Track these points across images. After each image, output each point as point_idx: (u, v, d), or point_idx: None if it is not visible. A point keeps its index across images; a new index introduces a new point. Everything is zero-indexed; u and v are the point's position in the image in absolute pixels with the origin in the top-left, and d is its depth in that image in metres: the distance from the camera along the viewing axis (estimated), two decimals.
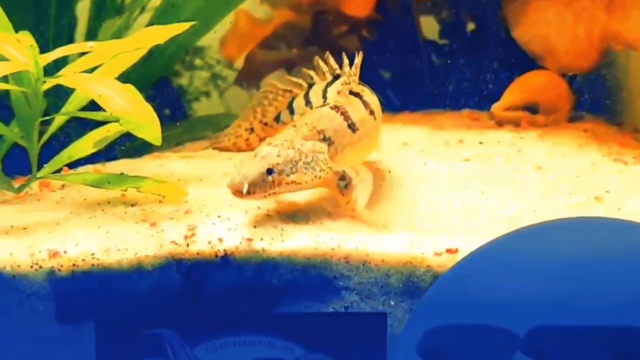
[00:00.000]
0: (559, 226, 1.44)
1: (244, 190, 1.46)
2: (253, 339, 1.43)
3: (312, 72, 1.84)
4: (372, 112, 1.69)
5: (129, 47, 1.63)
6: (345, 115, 1.62)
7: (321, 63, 1.82)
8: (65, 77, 1.57)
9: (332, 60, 1.80)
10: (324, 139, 1.57)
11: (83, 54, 1.73)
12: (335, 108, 1.63)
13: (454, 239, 1.46)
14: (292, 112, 1.85)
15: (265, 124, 1.91)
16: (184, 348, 1.42)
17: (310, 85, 1.83)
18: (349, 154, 1.62)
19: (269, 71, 2.71)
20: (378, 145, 1.80)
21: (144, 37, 1.65)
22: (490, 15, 2.43)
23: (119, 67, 1.71)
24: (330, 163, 1.55)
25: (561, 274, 1.40)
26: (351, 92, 1.68)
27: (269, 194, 1.50)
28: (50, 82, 1.59)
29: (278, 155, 1.50)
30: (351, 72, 1.69)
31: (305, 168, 1.51)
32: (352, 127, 1.62)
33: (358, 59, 1.68)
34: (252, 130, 1.93)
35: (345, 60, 1.74)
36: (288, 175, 1.49)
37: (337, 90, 1.68)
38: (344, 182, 1.55)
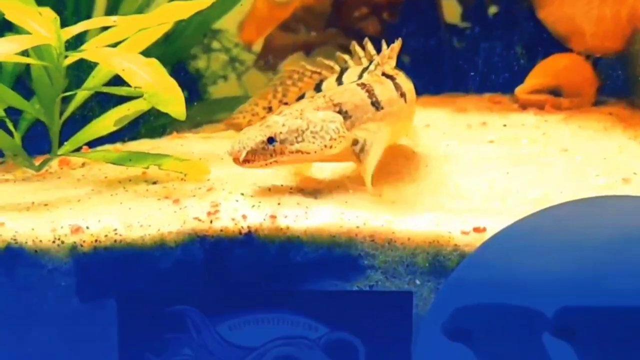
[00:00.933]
0: (586, 205, 1.42)
1: (241, 158, 1.47)
2: (276, 317, 1.41)
3: (346, 56, 1.83)
4: (402, 95, 1.67)
5: (152, 22, 1.61)
6: (370, 92, 1.60)
7: (357, 48, 1.80)
8: (88, 51, 1.55)
9: (370, 46, 1.79)
10: (340, 112, 1.55)
11: (104, 29, 1.72)
12: (362, 85, 1.62)
13: (481, 219, 1.43)
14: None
15: (286, 103, 1.89)
16: (207, 325, 1.41)
17: (344, 70, 1.81)
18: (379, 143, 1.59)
19: (288, 54, 2.72)
20: (410, 130, 1.78)
21: (167, 12, 1.63)
22: None
23: (141, 43, 1.70)
24: (345, 132, 1.53)
25: (589, 254, 1.38)
26: (384, 74, 1.67)
27: (270, 163, 1.50)
28: (73, 57, 1.57)
29: (283, 125, 1.50)
30: (385, 54, 1.68)
31: (313, 137, 1.50)
32: (375, 104, 1.60)
33: (397, 44, 1.68)
34: (269, 109, 1.91)
35: (384, 46, 1.72)
36: (292, 144, 1.49)
37: (368, 71, 1.67)
38: (358, 146, 1.54)
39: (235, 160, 1.49)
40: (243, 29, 2.75)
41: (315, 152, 1.51)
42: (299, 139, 1.50)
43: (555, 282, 1.38)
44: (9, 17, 1.53)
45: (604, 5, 2.05)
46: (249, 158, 1.48)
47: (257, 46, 2.74)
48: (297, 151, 1.50)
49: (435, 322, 1.38)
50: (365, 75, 1.68)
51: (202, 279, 1.44)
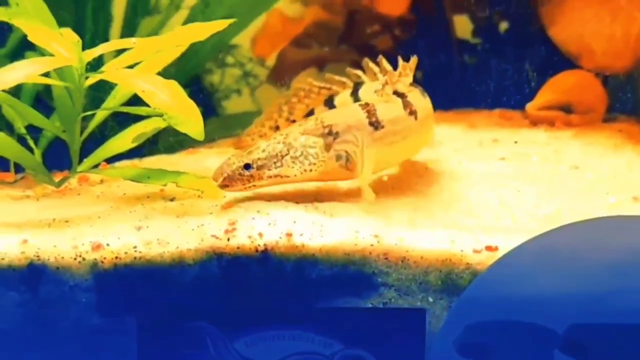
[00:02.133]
0: (598, 224, 1.44)
1: (218, 183, 1.56)
2: (292, 334, 1.44)
3: (359, 72, 1.85)
4: (412, 112, 1.69)
5: (170, 43, 1.66)
6: (370, 112, 1.63)
7: (371, 65, 1.83)
8: (108, 72, 1.59)
9: (385, 63, 1.82)
10: (329, 133, 1.58)
11: (120, 51, 1.76)
12: (364, 105, 1.65)
13: (493, 237, 1.46)
14: (331, 108, 1.86)
15: (293, 121, 1.92)
16: (224, 341, 1.44)
17: (359, 85, 1.84)
18: (370, 149, 1.62)
19: (301, 69, 2.75)
20: (429, 143, 1.81)
21: (184, 34, 1.67)
22: (523, 15, 2.43)
23: (158, 64, 1.73)
24: (324, 156, 1.57)
25: (600, 272, 1.41)
26: (396, 92, 1.69)
27: (249, 187, 1.57)
28: (94, 78, 1.61)
29: (263, 150, 1.57)
30: (395, 73, 1.71)
31: (293, 162, 1.57)
32: (375, 124, 1.62)
33: (412, 62, 1.72)
34: (277, 128, 1.95)
35: (401, 62, 1.75)
36: (270, 169, 1.56)
37: (375, 90, 1.70)
38: (342, 160, 1.58)
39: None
40: (256, 44, 2.79)
41: (295, 175, 1.58)
42: (278, 164, 1.56)
43: (566, 300, 1.40)
44: (31, 38, 1.57)
45: (614, 24, 2.08)
46: (226, 183, 1.56)
47: (271, 61, 2.78)
48: (276, 176, 1.57)
49: (447, 338, 1.41)
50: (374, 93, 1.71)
51: (219, 295, 1.47)
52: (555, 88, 2.21)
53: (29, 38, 1.58)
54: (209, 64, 2.72)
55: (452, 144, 2.00)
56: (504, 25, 2.54)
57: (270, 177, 1.57)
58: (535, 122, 2.17)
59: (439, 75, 2.48)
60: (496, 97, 2.38)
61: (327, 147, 1.58)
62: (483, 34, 2.52)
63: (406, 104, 1.69)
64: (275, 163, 1.56)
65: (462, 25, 2.54)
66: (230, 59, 2.82)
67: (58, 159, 1.93)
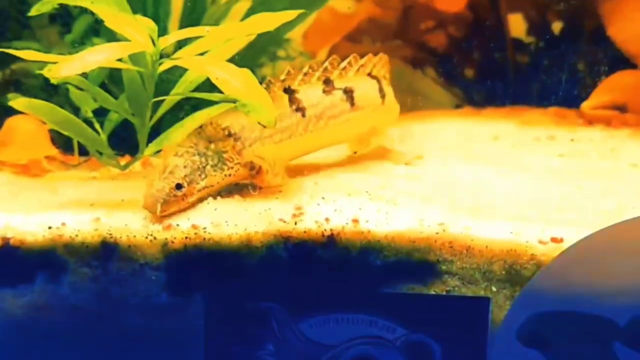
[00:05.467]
0: None
1: (158, 213, 1.52)
2: (355, 317, 1.47)
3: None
4: (299, 109, 1.70)
5: (241, 32, 1.68)
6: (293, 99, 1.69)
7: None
8: (183, 59, 1.62)
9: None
10: (229, 135, 1.60)
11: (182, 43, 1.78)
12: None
13: (558, 229, 1.48)
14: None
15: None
16: (289, 322, 1.47)
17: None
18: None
19: None
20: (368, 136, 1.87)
21: (253, 24, 1.70)
22: (578, 14, 2.43)
23: (226, 53, 1.77)
24: (237, 158, 1.60)
25: None
26: (288, 89, 1.71)
27: (184, 206, 1.55)
28: (168, 64, 1.65)
29: (185, 167, 1.56)
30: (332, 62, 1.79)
31: (214, 170, 1.58)
32: (300, 110, 1.69)
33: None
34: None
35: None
36: (198, 182, 1.56)
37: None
38: (253, 171, 1.60)
39: (153, 214, 1.53)
40: (307, 39, 2.82)
41: (219, 182, 1.59)
42: (202, 175, 1.57)
43: (629, 292, 1.41)
44: (108, 24, 1.61)
45: None
46: (165, 209, 1.53)
47: (321, 56, 2.80)
48: (204, 188, 1.57)
49: (510, 327, 1.43)
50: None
51: (285, 278, 1.50)
52: (611, 88, 2.22)
53: (106, 24, 1.62)
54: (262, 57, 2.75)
55: (509, 138, 2.02)
56: (557, 25, 2.54)
57: (200, 190, 1.56)
58: (590, 121, 2.18)
59: (492, 72, 2.49)
60: (550, 95, 2.39)
61: (235, 147, 1.60)
62: (537, 33, 2.53)
63: (293, 100, 1.71)
64: (200, 175, 1.56)
65: (517, 25, 2.55)
66: (281, 53, 2.85)
67: (118, 143, 1.98)
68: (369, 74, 1.87)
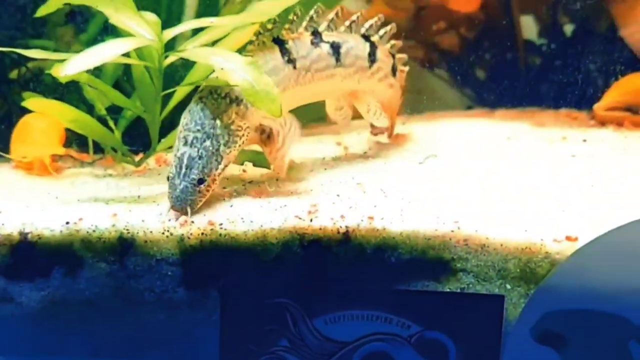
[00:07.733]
0: None
1: (189, 213, 1.51)
2: (370, 314, 1.47)
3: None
4: (290, 61, 1.68)
5: (245, 21, 1.67)
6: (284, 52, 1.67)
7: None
8: (188, 51, 1.62)
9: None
10: (231, 102, 1.57)
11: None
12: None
13: (573, 228, 1.48)
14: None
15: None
16: (304, 319, 1.48)
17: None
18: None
19: None
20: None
21: (257, 12, 1.69)
22: (590, 15, 2.44)
23: (235, 43, 1.76)
24: (244, 123, 1.57)
25: None
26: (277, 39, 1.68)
27: (209, 194, 1.54)
28: (173, 57, 1.65)
29: (200, 157, 1.53)
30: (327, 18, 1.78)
31: (228, 148, 1.55)
32: (292, 62, 1.67)
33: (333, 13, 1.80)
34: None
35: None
36: (217, 168, 1.54)
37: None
38: (264, 135, 1.59)
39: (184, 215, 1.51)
40: None
41: (235, 156, 1.58)
42: (218, 159, 1.54)
43: None
44: (112, 20, 1.61)
45: None
46: (194, 207, 1.52)
47: None
48: (223, 169, 1.56)
49: (525, 325, 1.43)
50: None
51: (300, 274, 1.51)
52: (623, 89, 2.22)
53: (110, 20, 1.62)
54: None
55: (522, 140, 2.02)
56: (569, 27, 2.55)
57: (220, 173, 1.55)
58: (602, 122, 2.18)
59: (504, 73, 2.50)
60: (562, 97, 2.39)
61: (239, 112, 1.57)
62: (548, 35, 2.53)
63: (284, 52, 1.68)
64: (216, 160, 1.54)
65: (528, 26, 2.56)
66: None
67: (133, 140, 1.99)
68: (363, 35, 1.85)
